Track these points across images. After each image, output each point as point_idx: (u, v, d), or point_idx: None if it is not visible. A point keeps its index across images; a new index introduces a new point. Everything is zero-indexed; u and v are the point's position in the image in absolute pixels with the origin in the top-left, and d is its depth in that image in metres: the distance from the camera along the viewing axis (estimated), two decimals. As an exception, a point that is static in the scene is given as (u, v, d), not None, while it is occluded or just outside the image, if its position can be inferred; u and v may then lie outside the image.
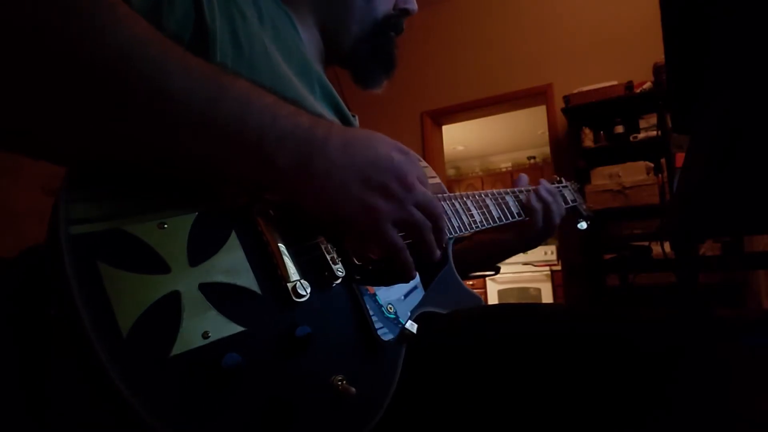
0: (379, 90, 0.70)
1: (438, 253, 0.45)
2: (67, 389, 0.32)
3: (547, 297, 5.35)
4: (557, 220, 0.79)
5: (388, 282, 0.46)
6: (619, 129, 2.94)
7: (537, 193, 0.78)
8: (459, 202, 0.65)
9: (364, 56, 0.66)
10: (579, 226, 0.99)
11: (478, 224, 0.66)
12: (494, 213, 0.70)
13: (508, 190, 0.78)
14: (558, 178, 0.96)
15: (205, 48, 0.43)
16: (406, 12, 0.68)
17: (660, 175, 2.71)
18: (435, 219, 0.44)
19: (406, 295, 0.47)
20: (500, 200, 0.73)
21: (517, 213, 0.75)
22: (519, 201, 0.77)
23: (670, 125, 2.48)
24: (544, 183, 0.81)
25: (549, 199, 0.78)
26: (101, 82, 0.30)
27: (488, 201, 0.71)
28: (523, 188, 0.80)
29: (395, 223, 0.41)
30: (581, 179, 2.83)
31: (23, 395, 0.33)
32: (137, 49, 0.31)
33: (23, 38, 0.28)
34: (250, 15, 0.50)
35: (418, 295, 0.49)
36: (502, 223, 0.71)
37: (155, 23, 0.34)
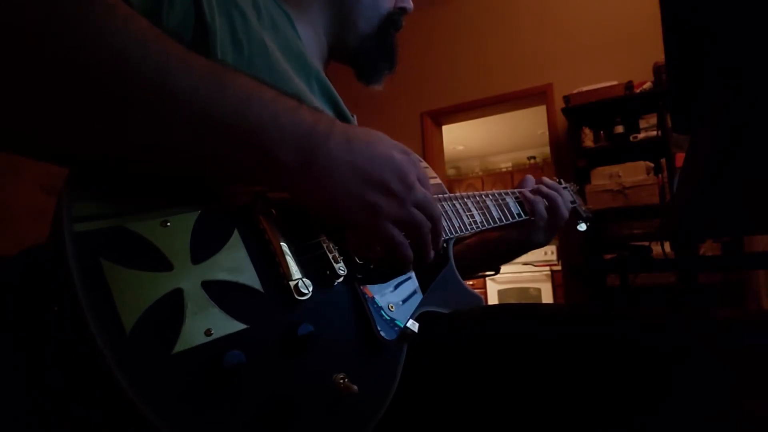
0: (380, 87, 0.71)
1: (432, 254, 0.45)
2: (67, 386, 0.32)
3: (547, 297, 5.34)
4: (564, 212, 0.79)
5: (388, 278, 0.46)
6: (619, 129, 2.94)
7: (539, 190, 0.78)
8: (459, 203, 0.65)
9: (370, 52, 0.68)
10: (579, 227, 0.99)
11: (479, 225, 0.66)
12: (494, 213, 0.70)
13: (509, 191, 0.78)
14: (558, 180, 0.97)
15: (205, 47, 0.44)
16: (404, 10, 0.70)
17: (660, 175, 2.71)
18: (434, 221, 0.44)
19: (404, 300, 0.47)
20: (500, 201, 0.73)
21: (517, 213, 0.75)
22: (519, 202, 0.77)
23: (670, 125, 2.48)
24: (546, 180, 0.82)
25: (552, 193, 0.78)
26: (102, 83, 0.30)
27: (489, 201, 0.71)
28: (524, 189, 0.80)
29: (395, 221, 0.41)
30: (581, 179, 2.83)
31: (23, 393, 0.33)
32: (137, 48, 0.31)
33: (23, 42, 0.28)
34: (249, 13, 0.50)
35: (417, 299, 0.49)
36: (502, 223, 0.71)
37: (155, 23, 0.34)
